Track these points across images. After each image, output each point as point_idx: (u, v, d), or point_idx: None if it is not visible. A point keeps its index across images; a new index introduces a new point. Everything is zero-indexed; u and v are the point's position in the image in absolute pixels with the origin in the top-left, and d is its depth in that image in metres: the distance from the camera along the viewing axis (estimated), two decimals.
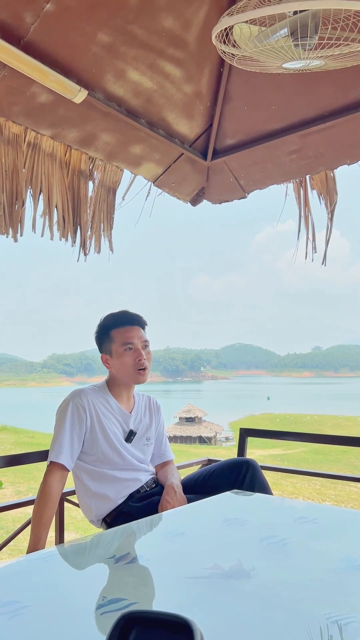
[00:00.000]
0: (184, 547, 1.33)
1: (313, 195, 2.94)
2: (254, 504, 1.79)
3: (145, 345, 2.15)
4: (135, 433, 2.12)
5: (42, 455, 2.16)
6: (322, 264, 3.01)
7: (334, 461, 19.64)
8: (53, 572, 1.20)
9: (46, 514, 1.84)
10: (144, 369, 2.11)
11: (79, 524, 7.06)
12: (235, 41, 1.58)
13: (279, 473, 3.00)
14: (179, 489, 2.04)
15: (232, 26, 1.51)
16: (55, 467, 1.93)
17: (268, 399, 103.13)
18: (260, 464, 2.25)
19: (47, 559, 1.28)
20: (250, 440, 2.84)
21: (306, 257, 2.96)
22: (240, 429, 2.82)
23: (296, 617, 0.94)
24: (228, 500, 1.77)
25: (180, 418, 38.23)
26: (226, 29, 1.54)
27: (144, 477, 2.10)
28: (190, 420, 38.37)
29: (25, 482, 11.52)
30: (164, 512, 1.69)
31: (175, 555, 1.28)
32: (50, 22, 1.98)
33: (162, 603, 1.03)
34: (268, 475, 2.19)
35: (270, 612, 0.96)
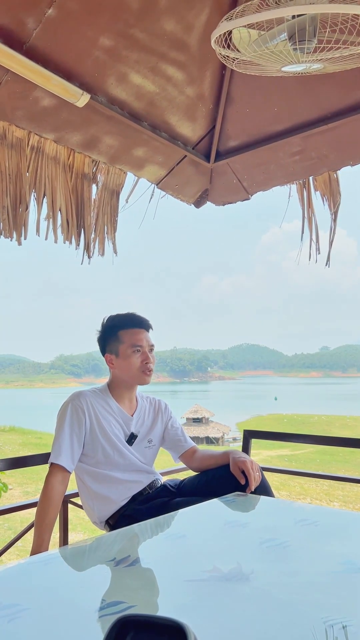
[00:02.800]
0: (184, 550, 1.34)
1: (316, 197, 2.94)
2: (256, 506, 1.79)
3: (152, 348, 2.18)
4: (137, 436, 2.13)
5: (46, 458, 2.17)
6: (326, 264, 3.01)
7: (342, 462, 19.54)
8: (53, 575, 1.21)
9: (49, 516, 1.84)
10: (150, 371, 2.13)
11: (87, 525, 7.08)
12: (234, 45, 1.58)
13: (287, 474, 3.00)
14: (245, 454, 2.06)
15: (232, 30, 1.51)
16: (56, 469, 1.94)
17: (275, 399, 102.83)
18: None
19: (48, 562, 1.29)
20: (258, 440, 2.84)
21: (310, 258, 2.96)
22: (244, 430, 2.82)
23: (294, 620, 0.95)
24: (230, 503, 1.77)
25: (187, 419, 38.22)
26: (226, 33, 1.54)
27: (145, 479, 2.11)
28: (197, 420, 38.35)
29: (33, 483, 11.56)
30: (165, 515, 1.69)
31: (175, 558, 1.29)
32: (53, 27, 1.99)
33: (161, 606, 1.03)
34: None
35: (267, 615, 0.96)
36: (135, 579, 1.15)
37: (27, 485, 11.46)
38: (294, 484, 12.94)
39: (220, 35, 1.53)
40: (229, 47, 1.62)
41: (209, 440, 34.38)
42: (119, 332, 2.15)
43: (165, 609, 1.00)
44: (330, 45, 1.44)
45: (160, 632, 0.62)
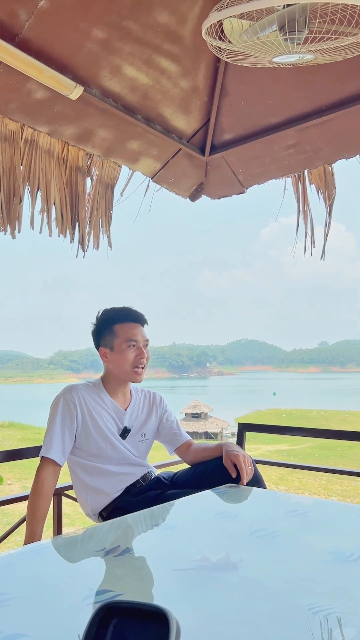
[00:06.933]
0: (174, 540, 1.35)
1: (312, 190, 2.94)
2: (247, 498, 1.80)
3: (146, 344, 2.16)
4: (130, 430, 2.13)
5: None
6: (321, 258, 3.01)
7: (341, 456, 19.58)
8: (43, 565, 1.21)
9: (40, 508, 1.85)
10: (142, 368, 2.12)
11: (84, 519, 7.10)
12: (226, 36, 1.57)
13: (285, 468, 3.01)
14: (238, 447, 2.05)
15: (223, 21, 1.51)
16: (47, 462, 1.95)
17: (274, 394, 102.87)
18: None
19: (38, 552, 1.30)
20: (257, 435, 2.84)
21: (305, 251, 2.96)
22: (239, 423, 2.82)
23: (280, 607, 0.95)
24: (222, 495, 1.77)
25: (186, 414, 38.23)
26: (217, 23, 1.54)
27: (138, 472, 2.11)
28: (196, 416, 38.38)
29: (32, 478, 11.58)
30: (156, 507, 1.70)
31: (165, 548, 1.30)
32: (45, 19, 1.98)
33: (149, 594, 1.04)
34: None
35: (254, 602, 0.97)
36: (124, 568, 1.15)
37: (26, 480, 11.48)
38: (293, 478, 12.97)
39: (211, 26, 1.52)
40: (220, 38, 1.61)
41: (207, 436, 34.45)
42: (115, 325, 2.14)
43: (152, 597, 1.01)
44: (320, 36, 1.43)
45: (144, 618, 0.63)
